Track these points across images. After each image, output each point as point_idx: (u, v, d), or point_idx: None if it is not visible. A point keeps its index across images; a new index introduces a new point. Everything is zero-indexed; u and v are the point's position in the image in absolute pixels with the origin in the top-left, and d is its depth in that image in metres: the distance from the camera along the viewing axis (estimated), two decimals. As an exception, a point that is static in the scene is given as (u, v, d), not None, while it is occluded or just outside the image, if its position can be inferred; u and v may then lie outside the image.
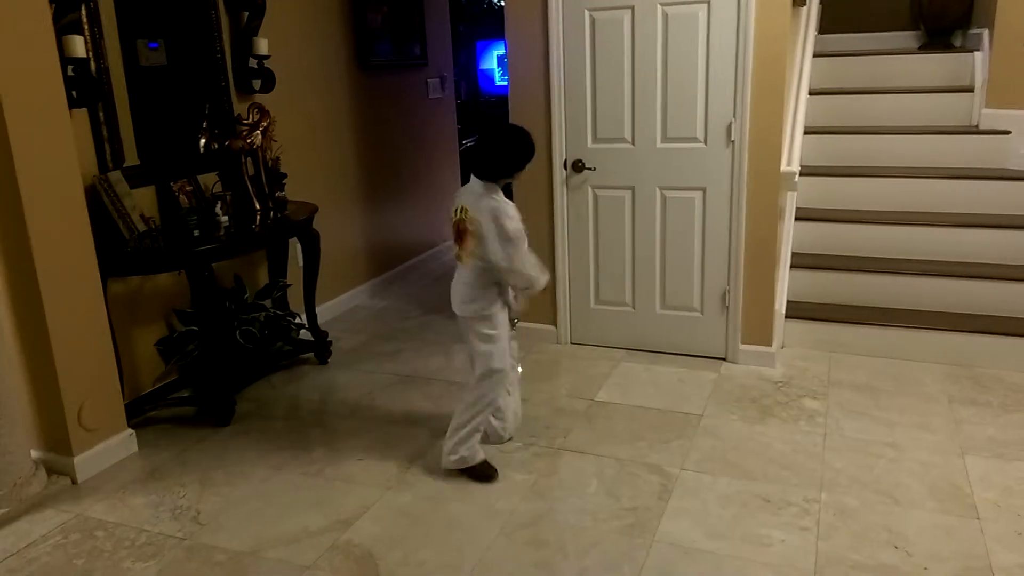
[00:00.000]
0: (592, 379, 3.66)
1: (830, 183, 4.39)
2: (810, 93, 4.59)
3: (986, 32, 4.69)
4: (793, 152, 3.90)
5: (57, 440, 2.89)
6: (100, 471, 2.96)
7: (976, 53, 4.76)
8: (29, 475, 2.76)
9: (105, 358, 2.99)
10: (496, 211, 2.58)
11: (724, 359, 3.80)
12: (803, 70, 4.43)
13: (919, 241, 4.07)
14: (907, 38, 5.57)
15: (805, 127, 4.28)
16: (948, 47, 5.29)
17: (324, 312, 4.35)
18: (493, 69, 8.72)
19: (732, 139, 3.53)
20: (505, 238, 2.57)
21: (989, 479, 2.74)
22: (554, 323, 4.08)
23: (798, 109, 4.19)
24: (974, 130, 4.49)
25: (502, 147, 2.64)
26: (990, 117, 4.46)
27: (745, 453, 2.95)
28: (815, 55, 4.79)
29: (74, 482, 2.88)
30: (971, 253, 3.98)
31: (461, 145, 6.61)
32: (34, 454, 2.88)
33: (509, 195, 2.77)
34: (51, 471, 2.88)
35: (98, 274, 2.94)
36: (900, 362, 3.73)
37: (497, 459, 2.92)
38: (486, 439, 2.95)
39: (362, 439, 3.16)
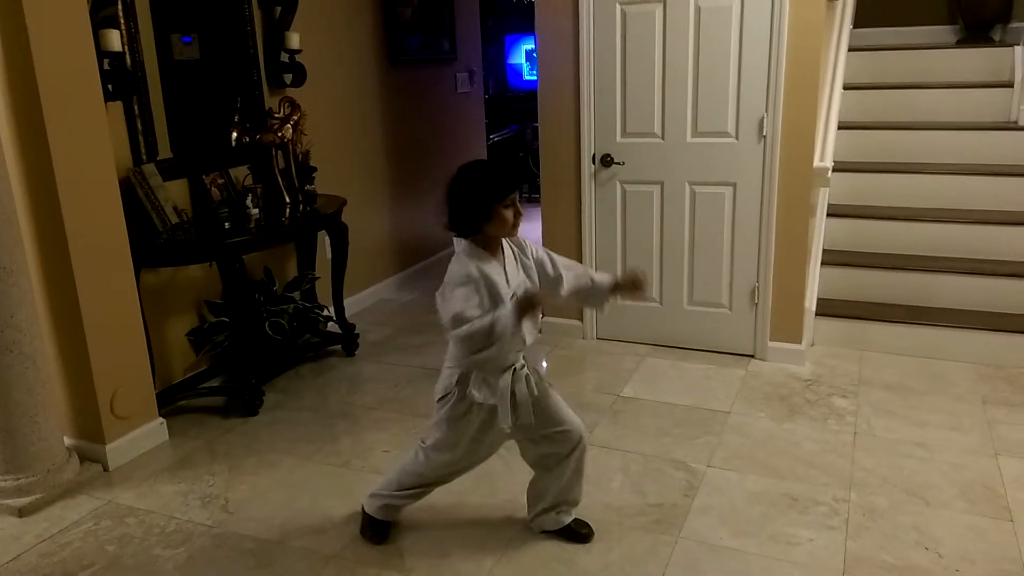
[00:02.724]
0: (618, 375, 3.64)
1: (863, 179, 4.32)
2: (844, 88, 4.52)
3: (1027, 26, 4.59)
4: (826, 147, 3.85)
5: (90, 428, 2.94)
6: (131, 459, 3.01)
7: (1016, 48, 4.65)
8: (62, 462, 2.81)
9: (137, 348, 3.04)
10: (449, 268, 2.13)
11: (752, 356, 3.77)
12: (837, 64, 4.37)
13: (954, 239, 3.99)
14: (945, 32, 5.46)
15: (839, 122, 4.22)
16: (987, 41, 5.18)
17: (351, 305, 4.38)
18: (521, 64, 8.71)
19: (764, 134, 3.49)
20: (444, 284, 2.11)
21: (1023, 480, 2.68)
22: (580, 318, 4.07)
23: (832, 104, 4.13)
24: (1013, 126, 4.39)
25: (450, 194, 2.12)
26: (1030, 113, 4.36)
27: (773, 451, 2.92)
28: (850, 49, 4.72)
29: (106, 469, 2.93)
30: (1008, 251, 3.90)
31: (489, 140, 6.61)
32: (67, 441, 2.94)
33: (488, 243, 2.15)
34: (83, 458, 2.93)
35: (132, 265, 2.98)
36: (932, 361, 3.67)
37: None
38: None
39: (388, 431, 3.18)
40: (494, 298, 2.06)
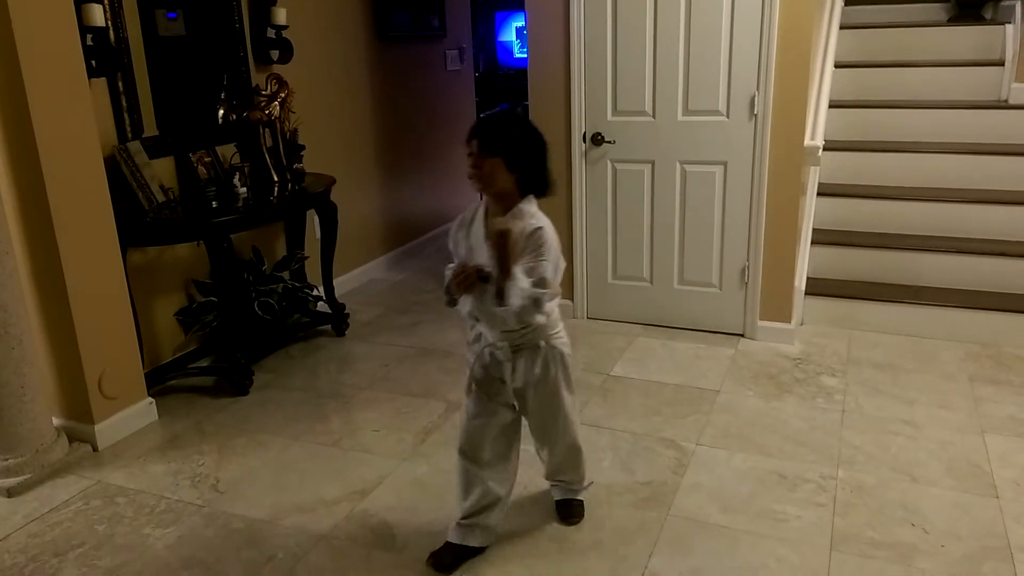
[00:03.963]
0: (608, 354, 3.65)
1: (854, 158, 4.32)
2: (836, 66, 4.50)
3: (1018, 4, 4.57)
4: (817, 126, 3.84)
5: (78, 408, 2.93)
6: (121, 439, 3.00)
7: (1007, 26, 4.64)
8: (51, 442, 2.80)
9: (125, 327, 3.02)
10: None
11: (742, 335, 3.78)
12: (829, 42, 4.35)
13: (944, 218, 4.00)
14: (936, 10, 5.44)
15: (830, 101, 4.21)
16: (978, 19, 5.17)
17: (341, 284, 4.36)
18: (512, 41, 8.64)
19: (755, 112, 3.47)
20: None
21: (1009, 458, 2.71)
22: (571, 298, 4.07)
23: (823, 82, 4.12)
24: (1004, 104, 4.39)
25: (538, 148, 2.07)
26: (1020, 92, 4.36)
27: (762, 429, 2.94)
28: (841, 27, 4.70)
29: (95, 449, 2.92)
30: (997, 230, 3.91)
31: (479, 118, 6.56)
32: (56, 421, 2.92)
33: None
34: (72, 438, 2.92)
35: (118, 244, 2.95)
36: (920, 340, 3.69)
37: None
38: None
39: (378, 411, 3.18)
40: None
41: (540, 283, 1.94)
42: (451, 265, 2.06)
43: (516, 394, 2.15)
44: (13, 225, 2.70)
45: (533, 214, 2.01)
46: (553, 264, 1.99)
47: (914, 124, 4.43)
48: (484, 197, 2.07)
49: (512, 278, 1.89)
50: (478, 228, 2.05)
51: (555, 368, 2.15)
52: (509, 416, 2.21)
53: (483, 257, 1.99)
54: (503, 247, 1.87)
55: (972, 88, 4.56)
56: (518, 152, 1.99)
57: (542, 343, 2.12)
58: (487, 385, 2.16)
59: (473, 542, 2.25)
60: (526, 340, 2.10)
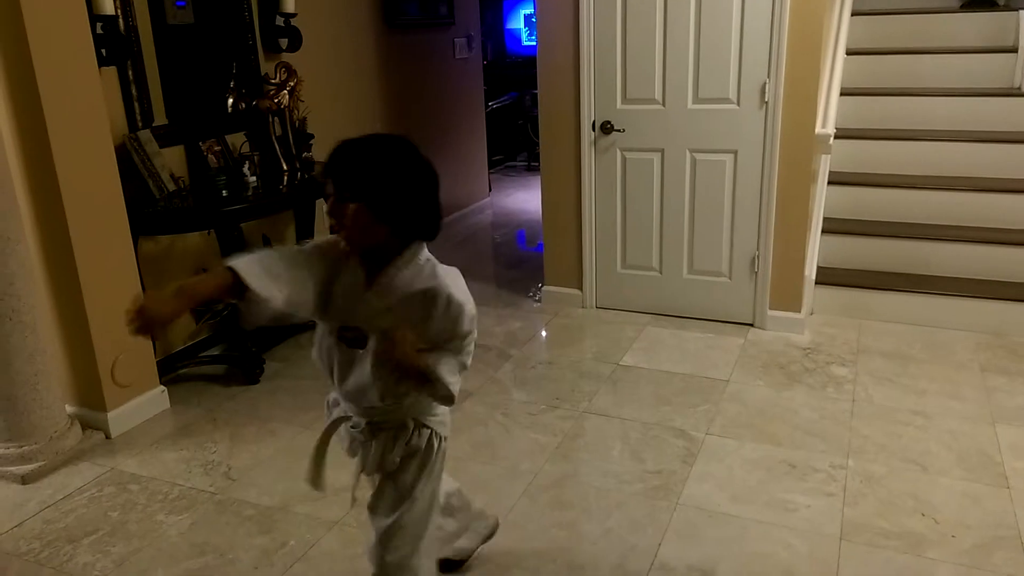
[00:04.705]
0: (617, 343, 3.65)
1: (865, 146, 4.29)
2: (847, 53, 4.47)
3: (1033, -10, 4.53)
4: (828, 114, 3.82)
5: (91, 396, 2.95)
6: (133, 427, 3.02)
7: (1021, 12, 4.59)
8: (64, 429, 2.82)
9: (137, 316, 3.03)
10: None
11: (752, 325, 3.77)
12: (840, 29, 4.32)
13: (955, 206, 3.98)
14: (948, -4, 5.39)
15: (841, 88, 4.18)
16: (991, 6, 5.11)
17: (351, 273, 4.36)
18: (520, 29, 8.61)
19: (766, 100, 3.45)
20: None
21: (1020, 448, 2.70)
22: (580, 287, 4.06)
23: (834, 69, 4.09)
24: (1016, 92, 4.35)
25: (426, 187, 1.58)
26: (1034, 79, 4.32)
27: (771, 419, 2.94)
28: (853, 14, 4.66)
29: (108, 437, 2.95)
30: (1009, 219, 3.89)
31: (487, 107, 6.55)
32: (69, 409, 2.94)
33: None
34: (85, 426, 2.94)
35: (129, 232, 2.96)
36: (932, 330, 3.67)
37: (523, 420, 2.94)
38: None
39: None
40: None
41: (463, 366, 1.55)
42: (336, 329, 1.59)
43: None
44: (26, 214, 2.71)
45: (431, 271, 1.56)
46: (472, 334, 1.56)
47: (926, 112, 4.40)
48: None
49: (436, 375, 1.49)
50: (352, 282, 1.58)
51: (418, 459, 1.67)
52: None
53: (361, 316, 1.56)
54: (405, 365, 1.46)
55: (984, 76, 4.52)
56: (386, 195, 1.48)
57: (410, 423, 1.65)
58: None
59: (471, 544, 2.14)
60: (390, 418, 1.64)
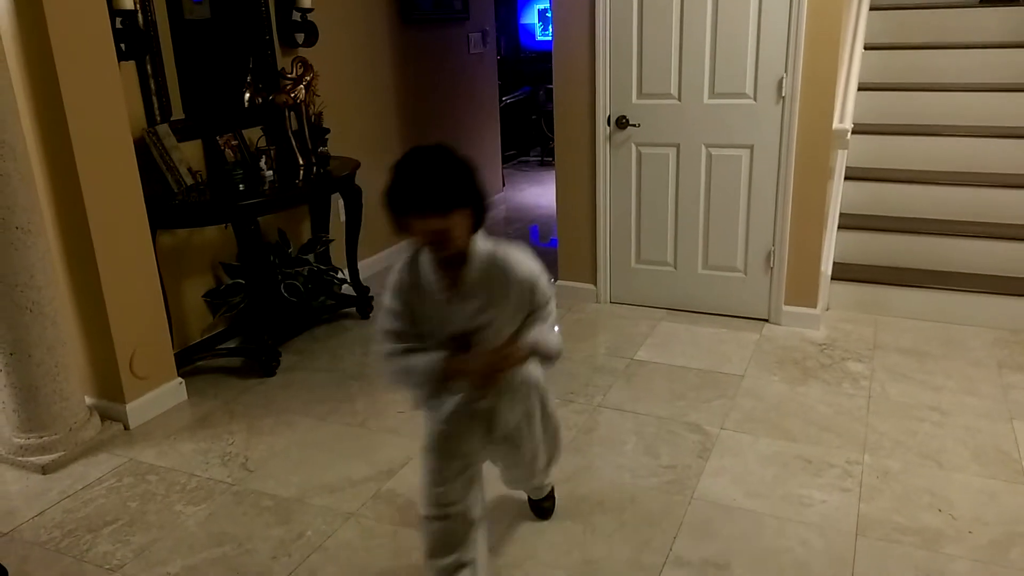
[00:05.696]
0: (632, 338, 3.65)
1: (882, 141, 4.26)
2: (865, 47, 4.43)
3: (1054, -17, 4.48)
4: (846, 109, 3.79)
5: (110, 387, 2.98)
6: (151, 418, 3.05)
7: (1042, 6, 4.55)
8: (84, 420, 2.85)
9: (155, 308, 3.06)
10: None
11: (767, 320, 3.76)
12: (858, 23, 4.29)
13: (974, 202, 3.95)
14: (968, -10, 5.34)
15: (859, 83, 4.15)
16: (1011, 0, 5.06)
17: (365, 267, 4.38)
18: (534, 24, 8.59)
19: (783, 95, 3.44)
20: None
21: (1038, 446, 2.69)
22: (594, 282, 4.06)
23: (852, 64, 4.06)
24: (1037, 87, 4.31)
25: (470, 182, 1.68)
26: (1054, 73, 4.28)
27: (786, 414, 2.93)
28: (871, 8, 4.62)
29: (126, 428, 2.98)
30: (1028, 215, 3.86)
31: (502, 102, 6.55)
32: (88, 400, 2.98)
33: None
34: (104, 417, 2.97)
35: (148, 226, 2.99)
36: (948, 326, 3.65)
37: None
38: None
39: (403, 392, 3.20)
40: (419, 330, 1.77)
41: (554, 323, 1.79)
42: (433, 355, 1.71)
43: (499, 441, 1.92)
44: (46, 207, 2.74)
45: (501, 255, 1.72)
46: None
47: (945, 107, 4.36)
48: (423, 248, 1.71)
49: (544, 350, 1.75)
50: (437, 297, 1.73)
51: (535, 398, 1.94)
52: (476, 469, 1.93)
53: (459, 322, 1.72)
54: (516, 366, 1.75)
55: (1004, 70, 4.47)
56: (478, 193, 1.64)
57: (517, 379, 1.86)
58: (457, 441, 1.87)
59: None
60: (504, 382, 1.82)
